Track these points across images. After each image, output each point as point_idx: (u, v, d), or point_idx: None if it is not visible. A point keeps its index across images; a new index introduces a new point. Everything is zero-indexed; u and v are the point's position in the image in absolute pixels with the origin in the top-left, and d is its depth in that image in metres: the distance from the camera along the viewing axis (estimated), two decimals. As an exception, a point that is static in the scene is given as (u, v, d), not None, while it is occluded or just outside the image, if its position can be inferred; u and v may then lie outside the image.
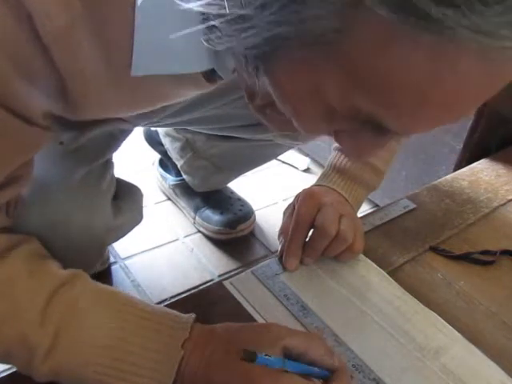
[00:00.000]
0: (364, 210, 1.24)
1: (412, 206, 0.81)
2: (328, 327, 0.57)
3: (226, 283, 0.62)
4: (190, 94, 0.48)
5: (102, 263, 0.95)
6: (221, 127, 0.84)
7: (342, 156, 0.69)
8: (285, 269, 0.64)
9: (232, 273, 0.66)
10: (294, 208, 0.65)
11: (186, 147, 0.99)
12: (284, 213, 0.68)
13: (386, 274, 0.66)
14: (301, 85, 0.34)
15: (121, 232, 0.71)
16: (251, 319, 0.57)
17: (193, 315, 0.48)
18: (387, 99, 0.31)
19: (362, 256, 0.68)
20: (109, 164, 0.68)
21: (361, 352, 0.55)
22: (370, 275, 0.66)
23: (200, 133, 0.94)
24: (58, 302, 0.44)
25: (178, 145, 1.01)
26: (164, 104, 0.48)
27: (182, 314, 0.48)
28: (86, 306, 0.45)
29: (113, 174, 0.69)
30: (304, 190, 0.66)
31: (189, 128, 0.91)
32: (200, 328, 0.48)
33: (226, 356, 0.45)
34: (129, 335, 0.45)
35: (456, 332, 0.59)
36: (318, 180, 0.70)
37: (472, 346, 0.58)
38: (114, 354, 0.44)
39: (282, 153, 1.01)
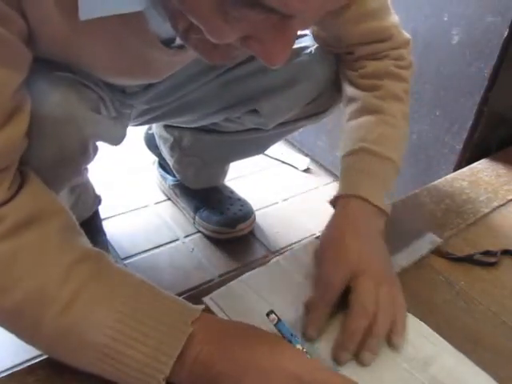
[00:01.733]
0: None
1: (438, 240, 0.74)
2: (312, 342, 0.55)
3: (206, 299, 0.60)
4: (153, 57, 0.54)
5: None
6: (204, 113, 0.86)
7: (361, 157, 0.66)
8: (304, 335, 0.57)
9: (232, 273, 0.66)
10: (320, 256, 0.60)
11: (175, 146, 1.01)
12: (314, 254, 0.63)
13: None
14: None
15: (99, 129, 0.62)
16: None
17: (202, 306, 0.50)
18: None
19: None
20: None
21: (346, 366, 0.53)
22: None
23: (186, 129, 0.97)
24: (82, 268, 0.47)
25: (167, 145, 1.03)
26: (136, 72, 0.56)
27: (191, 305, 0.50)
28: (106, 277, 0.48)
29: (98, 103, 0.63)
30: (331, 238, 0.60)
31: (177, 120, 0.92)
32: (211, 316, 0.50)
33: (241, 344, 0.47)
34: (143, 306, 0.47)
35: (444, 340, 0.57)
36: (343, 187, 0.65)
37: (461, 355, 0.56)
38: (126, 321, 0.45)
39: (266, 148, 1.01)
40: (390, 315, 0.55)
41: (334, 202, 0.67)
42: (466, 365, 0.56)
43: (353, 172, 0.66)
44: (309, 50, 0.76)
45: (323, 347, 0.55)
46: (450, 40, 0.96)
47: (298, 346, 0.49)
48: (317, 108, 0.83)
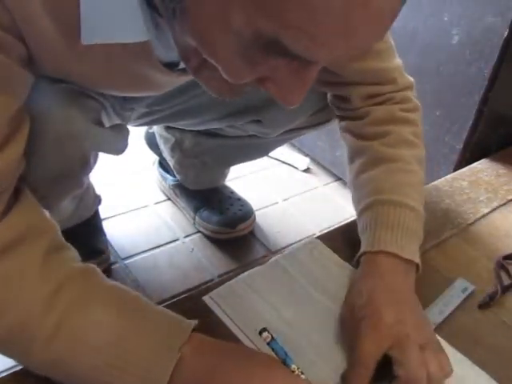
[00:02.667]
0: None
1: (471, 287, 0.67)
2: (312, 342, 0.55)
3: (206, 298, 0.59)
4: (157, 78, 0.53)
5: (101, 263, 0.95)
6: (206, 119, 0.85)
7: (381, 209, 0.61)
8: None
9: (232, 273, 0.66)
10: (351, 318, 0.55)
11: (175, 147, 1.01)
12: (341, 313, 0.58)
13: None
14: (211, 16, 0.34)
15: (101, 142, 0.63)
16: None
17: (195, 321, 0.48)
18: (283, 17, 0.31)
19: (346, 264, 0.67)
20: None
21: (345, 365, 0.53)
22: None
23: (187, 131, 0.96)
24: (65, 293, 0.45)
25: (168, 145, 1.03)
26: (140, 89, 0.54)
27: (185, 319, 0.48)
28: (91, 300, 0.46)
29: (99, 112, 0.63)
30: (371, 308, 0.53)
31: (177, 123, 0.92)
32: (201, 336, 0.48)
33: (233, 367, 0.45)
34: (128, 333, 0.46)
35: (441, 340, 0.56)
36: (368, 243, 0.60)
37: (461, 356, 0.56)
38: (111, 351, 0.45)
39: (267, 152, 1.02)
40: (442, 376, 0.51)
41: (358, 260, 0.62)
42: (467, 365, 0.56)
43: (376, 226, 0.61)
44: None
45: (321, 368, 0.53)
46: (450, 40, 0.96)
47: (293, 366, 0.48)
48: (321, 118, 0.82)
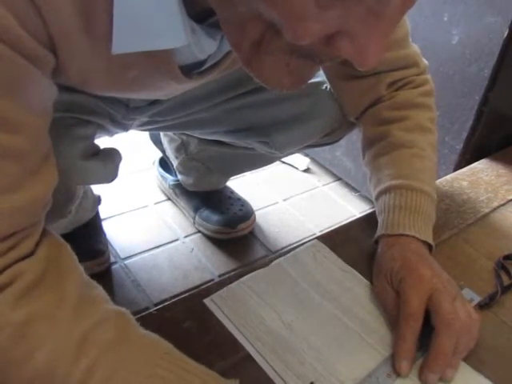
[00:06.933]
0: (364, 210, 1.24)
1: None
2: (312, 347, 0.55)
3: (207, 301, 0.59)
4: (168, 86, 0.51)
5: (101, 264, 0.95)
6: (210, 131, 0.84)
7: (399, 193, 0.66)
8: (397, 374, 0.54)
9: (232, 273, 0.66)
10: (390, 284, 0.59)
11: (181, 148, 1.01)
12: (375, 285, 0.62)
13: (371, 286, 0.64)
14: None
15: (88, 176, 0.64)
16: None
17: (237, 381, 0.46)
18: None
19: (350, 268, 0.66)
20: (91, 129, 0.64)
21: (346, 371, 0.53)
22: (357, 288, 0.63)
23: (193, 136, 0.96)
24: (97, 339, 0.42)
25: (173, 145, 1.02)
26: (142, 94, 0.51)
27: (225, 379, 0.46)
28: (125, 348, 0.43)
29: (92, 137, 0.63)
30: (408, 268, 0.58)
31: (181, 132, 0.91)
32: None
33: None
34: None
35: None
36: (387, 226, 0.65)
37: (461, 362, 0.56)
38: None
39: (272, 162, 1.02)
40: (469, 331, 0.55)
41: (376, 240, 0.67)
42: (467, 370, 0.55)
43: (395, 210, 0.65)
44: (324, 86, 0.75)
45: (321, 373, 0.53)
46: (450, 40, 0.96)
47: None
48: (328, 140, 0.82)
